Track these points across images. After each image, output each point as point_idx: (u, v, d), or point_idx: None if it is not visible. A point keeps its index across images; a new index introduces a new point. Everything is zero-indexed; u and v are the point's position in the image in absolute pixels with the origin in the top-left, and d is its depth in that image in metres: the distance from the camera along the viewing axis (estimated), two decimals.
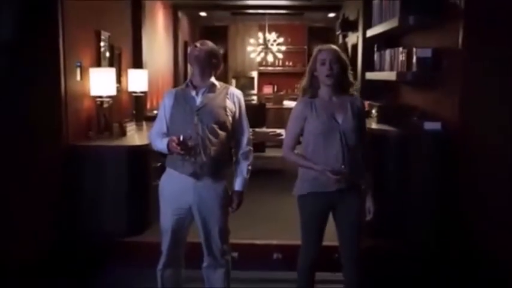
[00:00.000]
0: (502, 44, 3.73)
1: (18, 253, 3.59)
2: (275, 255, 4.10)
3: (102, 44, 5.09)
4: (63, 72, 4.12)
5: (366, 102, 5.43)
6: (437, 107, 4.32)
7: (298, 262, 3.13)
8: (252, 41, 12.54)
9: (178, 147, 2.86)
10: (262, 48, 12.37)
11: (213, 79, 3.08)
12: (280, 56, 12.54)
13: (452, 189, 3.98)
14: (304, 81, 3.03)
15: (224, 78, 12.45)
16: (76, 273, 3.85)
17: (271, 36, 12.41)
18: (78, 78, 4.47)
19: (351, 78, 3.03)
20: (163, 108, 3.11)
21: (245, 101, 3.23)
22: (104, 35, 5.14)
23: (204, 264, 3.22)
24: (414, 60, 4.35)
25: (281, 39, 12.54)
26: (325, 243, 3.11)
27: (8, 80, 3.66)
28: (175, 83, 9.53)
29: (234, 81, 13.20)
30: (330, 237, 3.16)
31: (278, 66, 13.18)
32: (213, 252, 3.15)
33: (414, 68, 4.35)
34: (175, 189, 3.05)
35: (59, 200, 4.12)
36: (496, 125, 3.77)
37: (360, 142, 2.94)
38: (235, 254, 3.73)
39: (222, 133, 3.01)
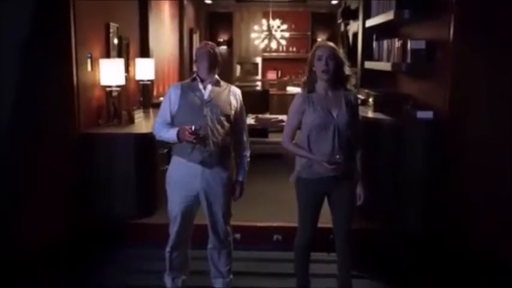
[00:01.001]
0: (491, 37, 3.88)
1: (33, 238, 3.77)
2: (275, 237, 4.29)
3: (111, 35, 5.24)
4: (75, 63, 4.29)
5: (364, 91, 5.60)
6: (430, 97, 4.48)
7: (294, 242, 3.33)
8: (256, 27, 12.61)
9: (192, 137, 3.05)
10: (266, 35, 12.43)
11: (217, 76, 3.29)
12: (283, 42, 12.60)
13: (443, 175, 4.14)
14: (305, 75, 3.22)
15: (229, 64, 12.56)
16: (90, 252, 4.09)
17: (275, 22, 12.40)
18: (89, 68, 4.66)
19: (348, 72, 3.19)
20: (168, 100, 3.26)
21: (249, 87, 3.46)
22: (113, 26, 5.30)
23: (209, 245, 3.43)
24: (409, 51, 4.50)
25: (285, 26, 12.55)
26: (321, 225, 3.30)
27: (22, 73, 3.80)
28: (181, 70, 9.61)
29: (238, 67, 13.29)
30: (326, 220, 3.33)
31: (282, 52, 13.27)
32: (218, 234, 3.36)
33: (409, 59, 4.50)
34: (184, 177, 3.24)
35: (72, 185, 4.30)
36: (484, 114, 3.93)
37: (353, 134, 3.13)
38: (237, 236, 3.93)
39: (227, 124, 3.24)
